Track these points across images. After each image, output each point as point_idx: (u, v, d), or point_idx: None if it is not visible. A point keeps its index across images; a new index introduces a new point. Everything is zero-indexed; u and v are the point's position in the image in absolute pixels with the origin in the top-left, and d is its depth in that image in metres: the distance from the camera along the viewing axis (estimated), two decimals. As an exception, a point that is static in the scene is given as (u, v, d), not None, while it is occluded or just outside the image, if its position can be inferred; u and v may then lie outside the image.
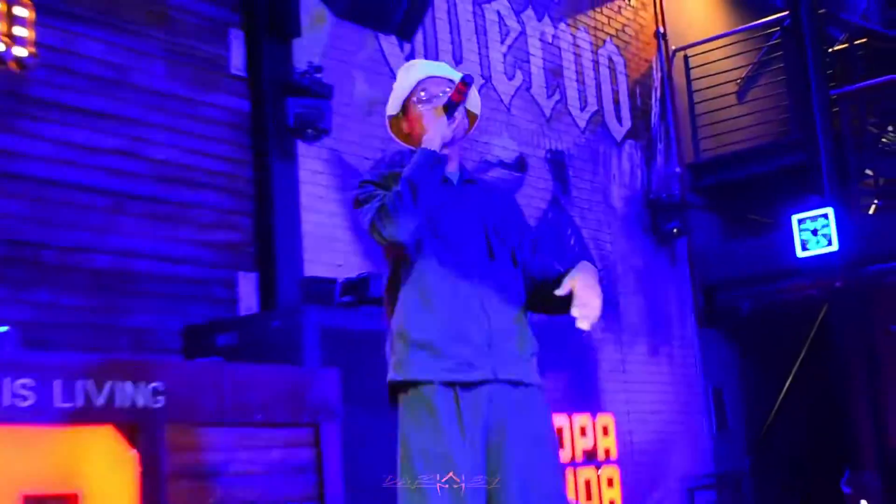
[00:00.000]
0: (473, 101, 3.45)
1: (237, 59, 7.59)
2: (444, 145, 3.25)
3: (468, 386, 3.12)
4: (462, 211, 3.29)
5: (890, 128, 13.11)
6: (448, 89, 3.30)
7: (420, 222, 3.13)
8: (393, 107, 3.48)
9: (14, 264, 6.18)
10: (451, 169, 3.36)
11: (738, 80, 12.27)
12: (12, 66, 6.34)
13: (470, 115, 3.45)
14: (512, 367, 3.18)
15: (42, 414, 3.73)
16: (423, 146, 3.20)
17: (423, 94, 3.36)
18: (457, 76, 3.36)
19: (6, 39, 6.29)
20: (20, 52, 6.35)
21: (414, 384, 3.17)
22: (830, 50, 12.26)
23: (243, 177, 7.45)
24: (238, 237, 7.34)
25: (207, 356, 5.64)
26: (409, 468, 3.11)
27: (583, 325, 3.09)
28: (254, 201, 7.45)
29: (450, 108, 3.22)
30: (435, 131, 3.22)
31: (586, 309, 3.07)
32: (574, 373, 9.72)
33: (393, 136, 3.55)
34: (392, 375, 3.24)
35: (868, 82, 11.88)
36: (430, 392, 3.12)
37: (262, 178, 7.45)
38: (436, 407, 3.10)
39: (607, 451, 9.61)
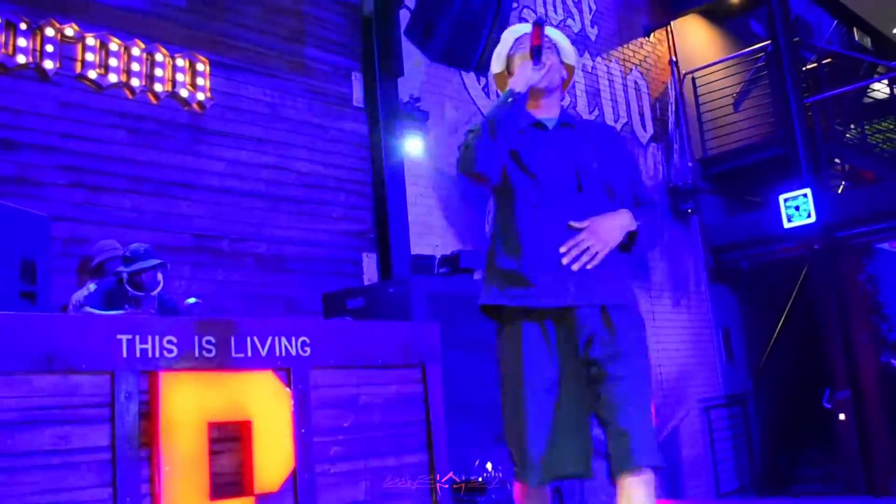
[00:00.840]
0: (568, 54, 2.95)
1: (358, 95, 7.57)
2: (539, 90, 2.77)
3: (551, 312, 2.63)
4: (553, 151, 2.74)
5: (851, 126, 12.80)
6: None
7: (500, 156, 2.66)
8: (497, 65, 2.96)
9: (199, 252, 6.24)
10: (550, 115, 2.83)
11: (734, 94, 12.00)
12: (195, 107, 6.39)
13: (567, 67, 2.95)
14: (596, 292, 2.63)
15: (222, 362, 3.73)
16: (512, 88, 2.71)
17: (519, 47, 2.88)
18: (553, 32, 2.90)
19: (190, 87, 6.35)
20: (200, 96, 6.41)
21: (500, 309, 2.70)
22: (804, 68, 11.99)
23: (364, 182, 7.42)
24: (361, 227, 7.32)
25: (341, 316, 5.65)
26: (504, 383, 2.68)
27: (564, 260, 2.62)
28: (372, 200, 7.42)
29: (533, 52, 2.71)
30: (520, 74, 2.72)
31: (573, 248, 2.61)
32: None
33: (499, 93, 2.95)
34: (481, 299, 2.74)
35: (833, 92, 11.63)
36: (516, 317, 2.66)
37: (378, 183, 7.43)
38: (521, 331, 2.63)
39: (643, 379, 9.50)
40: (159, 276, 5.07)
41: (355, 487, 4.00)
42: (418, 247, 7.41)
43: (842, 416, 9.88)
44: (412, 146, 7.47)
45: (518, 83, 2.71)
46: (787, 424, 11.08)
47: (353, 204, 7.30)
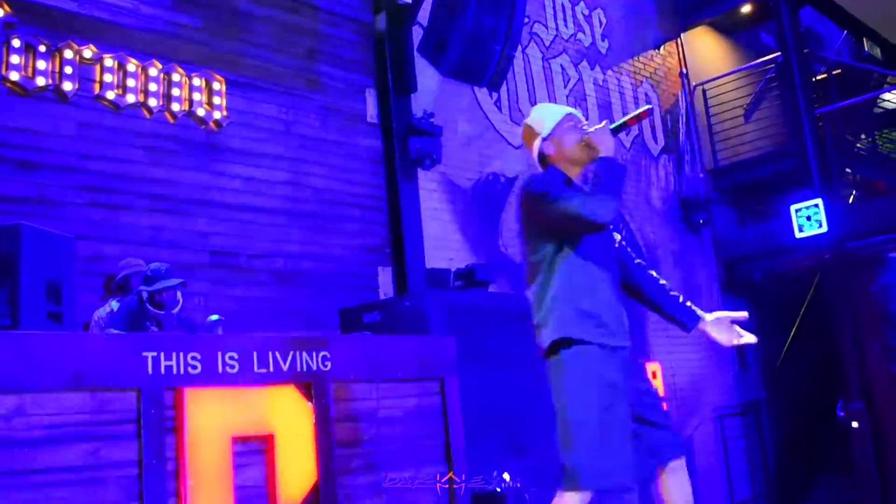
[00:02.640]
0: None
1: (372, 111, 7.64)
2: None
3: (616, 348, 3.11)
4: None
5: (862, 136, 12.79)
6: (586, 125, 3.29)
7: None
8: (547, 129, 3.32)
9: (218, 269, 6.30)
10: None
11: (745, 105, 12.01)
12: (212, 125, 6.48)
13: None
14: (629, 338, 3.20)
15: (244, 378, 3.79)
16: (607, 155, 3.14)
17: (571, 123, 3.30)
18: (580, 116, 3.34)
19: (207, 106, 6.44)
20: (217, 114, 6.49)
21: (581, 342, 3.06)
22: (814, 79, 12.00)
23: (379, 196, 7.49)
24: (377, 241, 7.38)
25: (358, 331, 5.70)
26: (584, 412, 3.00)
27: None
28: (387, 214, 7.48)
29: (620, 129, 3.21)
30: (611, 144, 3.16)
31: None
32: (631, 333, 9.62)
33: (533, 157, 3.39)
34: (560, 333, 3.09)
35: (843, 103, 11.62)
36: (595, 350, 3.05)
37: (392, 197, 7.49)
38: (601, 363, 3.05)
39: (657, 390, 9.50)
40: (178, 296, 5.14)
41: (376, 499, 4.05)
42: (433, 260, 7.46)
43: (855, 424, 9.86)
44: (426, 161, 7.52)
45: (612, 151, 3.16)
46: (800, 433, 11.05)
47: (369, 219, 7.36)
